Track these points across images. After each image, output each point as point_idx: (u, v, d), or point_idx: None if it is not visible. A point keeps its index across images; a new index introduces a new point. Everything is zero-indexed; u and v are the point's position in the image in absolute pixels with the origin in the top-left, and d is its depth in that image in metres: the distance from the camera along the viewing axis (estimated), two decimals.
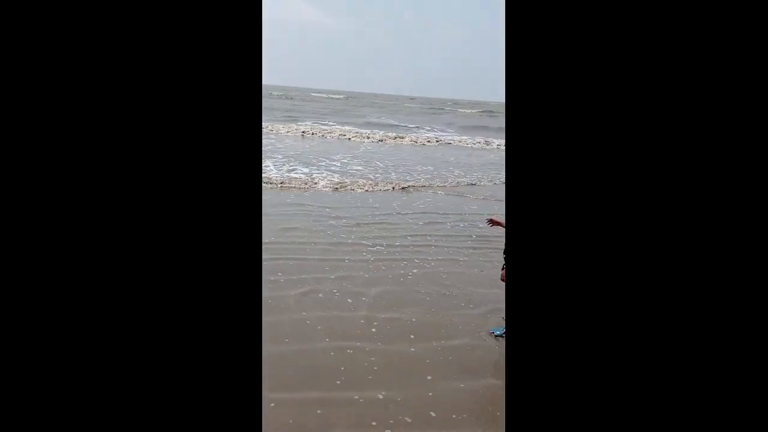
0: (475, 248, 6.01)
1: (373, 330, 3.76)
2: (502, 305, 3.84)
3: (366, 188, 9.07)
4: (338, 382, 3.07)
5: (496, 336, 3.76)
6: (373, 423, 2.73)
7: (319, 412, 2.77)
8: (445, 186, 10.11)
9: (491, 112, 64.22)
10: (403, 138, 20.13)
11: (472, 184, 10.57)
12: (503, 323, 3.83)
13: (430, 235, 6.47)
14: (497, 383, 3.19)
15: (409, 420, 2.77)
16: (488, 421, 2.83)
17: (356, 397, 2.94)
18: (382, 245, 5.79)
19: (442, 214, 7.73)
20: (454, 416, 2.83)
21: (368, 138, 19.14)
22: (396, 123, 30.25)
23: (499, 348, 3.62)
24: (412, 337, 3.72)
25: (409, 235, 6.36)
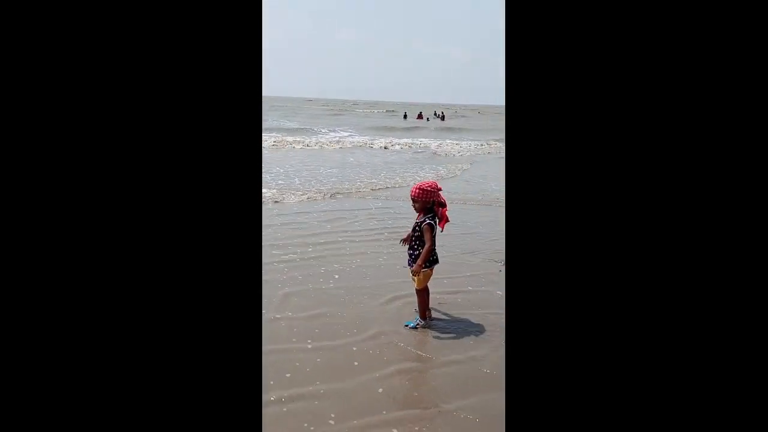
0: (388, 241, 6.02)
1: (296, 330, 3.67)
2: (413, 295, 4.06)
3: (267, 196, 8.73)
4: (283, 384, 3.07)
5: (410, 328, 3.90)
6: (332, 414, 2.82)
7: (276, 413, 2.80)
8: (352, 189, 10.00)
9: (393, 111, 65.45)
10: (303, 141, 19.83)
11: (381, 187, 10.56)
12: (415, 314, 4.01)
13: (341, 233, 6.38)
14: (419, 365, 3.47)
15: (360, 409, 2.88)
16: (425, 396, 3.11)
17: (302, 397, 2.97)
18: (294, 252, 5.58)
19: (350, 210, 7.61)
20: (400, 398, 3.07)
21: (264, 143, 18.59)
22: (297, 126, 29.78)
23: (415, 336, 3.82)
24: (338, 333, 3.80)
25: (322, 234, 6.21)
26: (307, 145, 18.82)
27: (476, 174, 12.92)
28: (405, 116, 50.82)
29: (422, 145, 20.90)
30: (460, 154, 18.23)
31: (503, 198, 8.46)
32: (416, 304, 3.99)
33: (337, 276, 4.96)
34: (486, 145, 22.01)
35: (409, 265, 3.92)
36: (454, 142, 23.03)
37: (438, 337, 3.78)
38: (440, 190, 3.85)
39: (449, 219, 3.88)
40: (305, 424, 2.71)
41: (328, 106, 79.86)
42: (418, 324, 3.90)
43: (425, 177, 11.63)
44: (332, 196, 9.00)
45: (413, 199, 3.83)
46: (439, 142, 22.66)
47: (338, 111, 61.11)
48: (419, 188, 3.80)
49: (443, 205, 3.85)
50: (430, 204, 3.80)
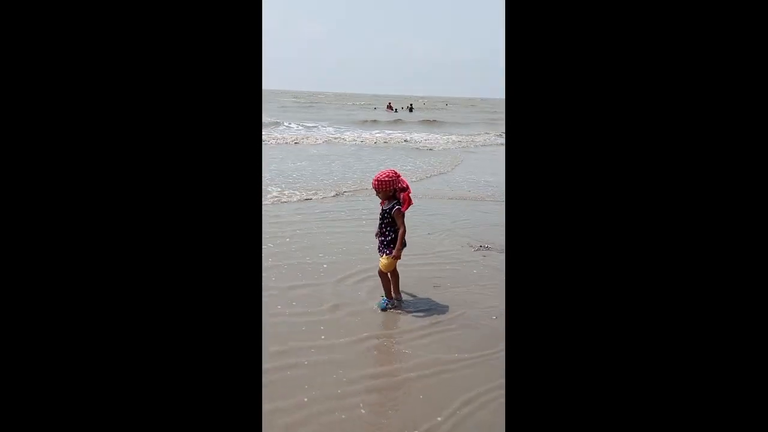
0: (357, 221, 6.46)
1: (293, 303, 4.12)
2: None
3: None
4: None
5: (381, 310, 4.21)
6: (340, 376, 3.22)
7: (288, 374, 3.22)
8: (323, 184, 9.81)
9: (362, 103, 65.00)
10: (278, 137, 19.33)
11: (356, 185, 10.11)
12: (382, 298, 4.30)
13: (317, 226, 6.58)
14: (386, 332, 3.93)
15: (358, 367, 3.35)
16: (403, 358, 3.54)
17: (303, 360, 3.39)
18: (271, 243, 5.76)
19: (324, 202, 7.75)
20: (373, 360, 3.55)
21: None
22: (268, 120, 29.14)
23: (383, 313, 4.19)
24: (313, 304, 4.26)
25: (298, 230, 6.36)
26: (283, 141, 17.83)
27: (471, 169, 12.87)
28: (375, 108, 51.15)
29: (404, 140, 20.62)
30: (442, 148, 18.03)
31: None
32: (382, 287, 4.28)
33: (319, 254, 5.37)
34: (466, 138, 22.07)
35: (380, 251, 4.15)
36: (437, 135, 23.00)
37: (411, 313, 4.15)
38: (399, 176, 4.09)
39: (412, 201, 4.13)
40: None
41: (296, 98, 78.51)
42: (388, 305, 4.18)
43: (412, 171, 11.73)
44: (337, 195, 8.80)
45: (376, 191, 4.09)
46: (418, 136, 22.51)
47: (308, 103, 60.04)
48: (378, 180, 4.04)
49: (405, 189, 4.08)
50: (392, 192, 4.06)
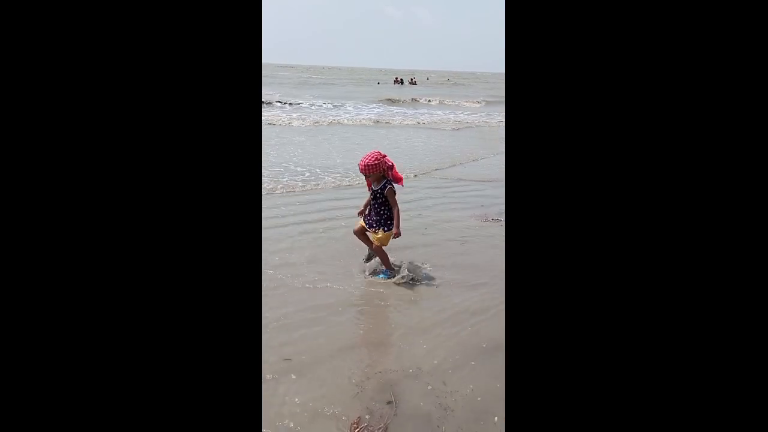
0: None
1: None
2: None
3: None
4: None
5: (385, 280, 4.26)
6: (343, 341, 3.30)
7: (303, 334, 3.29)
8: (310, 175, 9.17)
9: (363, 77, 64.25)
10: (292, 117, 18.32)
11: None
12: (383, 272, 4.34)
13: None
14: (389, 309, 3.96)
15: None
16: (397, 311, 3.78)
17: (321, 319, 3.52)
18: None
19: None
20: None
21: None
22: (278, 97, 28.08)
23: (395, 287, 4.17)
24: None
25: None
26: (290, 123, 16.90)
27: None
28: (378, 83, 50.77)
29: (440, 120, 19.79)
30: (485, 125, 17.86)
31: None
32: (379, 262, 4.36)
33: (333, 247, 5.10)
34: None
35: (374, 227, 4.20)
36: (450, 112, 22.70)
37: (409, 284, 4.20)
38: (385, 156, 4.10)
39: (402, 176, 4.20)
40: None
41: (300, 72, 77.45)
42: (390, 273, 4.25)
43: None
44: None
45: (365, 175, 4.09)
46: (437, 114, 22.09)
47: (316, 78, 59.32)
48: (366, 165, 4.03)
49: (392, 167, 4.12)
50: (381, 173, 4.09)
